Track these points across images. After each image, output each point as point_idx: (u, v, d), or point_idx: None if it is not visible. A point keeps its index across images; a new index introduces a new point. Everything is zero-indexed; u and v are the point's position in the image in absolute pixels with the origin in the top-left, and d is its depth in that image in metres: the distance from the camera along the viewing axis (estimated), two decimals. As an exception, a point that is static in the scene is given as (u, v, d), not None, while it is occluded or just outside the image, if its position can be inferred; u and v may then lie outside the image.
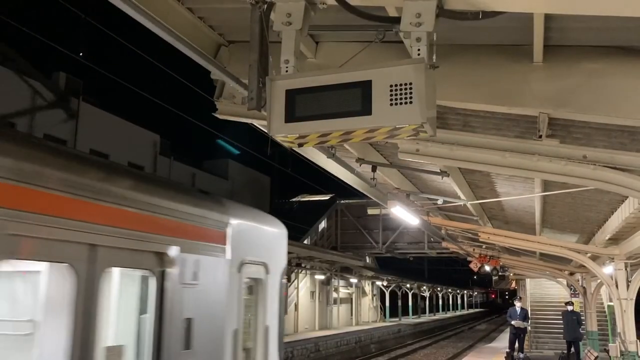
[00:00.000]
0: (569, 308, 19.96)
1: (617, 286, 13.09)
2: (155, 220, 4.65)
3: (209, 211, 5.40)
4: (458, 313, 79.03)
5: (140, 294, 4.80)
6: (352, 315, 42.31)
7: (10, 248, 3.42)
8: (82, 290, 3.86)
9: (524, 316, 20.52)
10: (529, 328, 24.51)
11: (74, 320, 3.78)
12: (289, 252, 6.78)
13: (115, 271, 4.70)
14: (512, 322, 20.19)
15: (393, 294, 49.61)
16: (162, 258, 4.69)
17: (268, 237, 6.63)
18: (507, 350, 20.99)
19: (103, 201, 4.11)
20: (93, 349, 3.93)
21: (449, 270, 73.97)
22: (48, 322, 3.93)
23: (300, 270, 30.68)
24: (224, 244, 5.56)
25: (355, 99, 3.07)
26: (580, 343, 20.21)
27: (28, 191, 3.56)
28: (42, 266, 4.05)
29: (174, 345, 4.74)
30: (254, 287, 6.27)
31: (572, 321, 19.52)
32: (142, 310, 4.73)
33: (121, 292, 4.78)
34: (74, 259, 3.83)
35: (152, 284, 4.66)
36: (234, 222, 5.74)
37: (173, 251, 4.76)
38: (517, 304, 20.81)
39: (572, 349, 19.88)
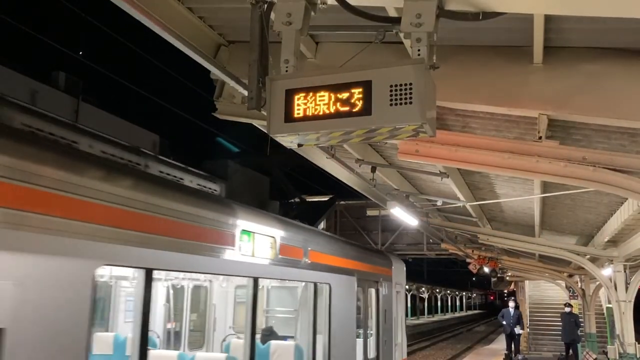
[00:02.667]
0: (567, 310, 19.95)
1: (615, 288, 13.10)
2: (375, 267, 10.71)
3: (386, 261, 11.74)
4: (457, 315, 78.97)
5: (366, 298, 10.08)
6: (350, 316, 42.17)
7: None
8: (382, 296, 10.90)
9: (517, 318, 20.49)
10: (527, 330, 24.50)
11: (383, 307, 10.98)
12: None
13: (368, 286, 10.22)
14: (516, 331, 20.20)
15: (392, 295, 49.48)
16: (377, 282, 10.68)
17: (400, 268, 12.75)
18: (505, 351, 21.00)
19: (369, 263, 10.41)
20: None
21: (448, 271, 73.93)
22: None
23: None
24: (391, 274, 11.71)
25: (355, 99, 3.07)
26: (579, 345, 20.20)
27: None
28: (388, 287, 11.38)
29: (382, 322, 10.77)
30: (397, 295, 12.24)
31: (571, 323, 19.51)
32: (370, 305, 10.38)
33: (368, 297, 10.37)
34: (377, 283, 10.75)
35: (373, 294, 10.56)
36: (393, 263, 12.07)
37: (380, 280, 10.81)
38: (512, 305, 20.78)
39: (571, 351, 19.88)
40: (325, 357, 7.84)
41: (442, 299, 73.91)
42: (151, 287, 4.55)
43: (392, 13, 4.01)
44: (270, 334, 8.56)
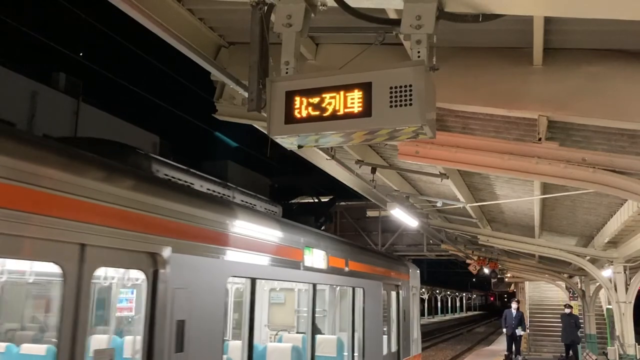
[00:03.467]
0: (567, 311, 19.96)
1: (615, 289, 13.09)
2: (396, 273, 11.94)
3: (404, 267, 13.02)
4: (457, 316, 78.95)
5: (389, 299, 11.44)
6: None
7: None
8: (401, 299, 12.50)
9: (520, 319, 20.51)
10: (527, 331, 24.49)
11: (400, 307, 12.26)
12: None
13: (391, 289, 11.68)
14: (517, 332, 20.28)
15: (392, 296, 49.41)
16: (398, 285, 12.02)
17: (415, 273, 14.15)
18: (506, 352, 20.99)
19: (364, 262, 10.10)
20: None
21: (448, 272, 73.96)
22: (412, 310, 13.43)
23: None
24: (408, 279, 13.15)
25: (355, 100, 3.07)
26: (579, 346, 20.20)
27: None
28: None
29: (402, 320, 12.13)
30: (413, 297, 13.71)
31: (570, 324, 19.52)
32: (391, 305, 11.59)
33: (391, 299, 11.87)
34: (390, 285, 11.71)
35: (394, 296, 11.86)
36: (410, 269, 13.49)
37: (400, 284, 12.20)
38: (514, 306, 20.79)
39: (571, 352, 19.88)
40: (360, 349, 9.37)
41: (442, 300, 73.88)
42: (255, 292, 6.18)
43: (392, 15, 4.02)
44: (315, 329, 9.95)
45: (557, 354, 23.06)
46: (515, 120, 5.91)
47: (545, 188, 8.53)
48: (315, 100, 3.14)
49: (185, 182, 5.76)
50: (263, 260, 6.19)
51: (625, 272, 13.13)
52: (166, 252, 4.53)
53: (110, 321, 5.78)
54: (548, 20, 4.19)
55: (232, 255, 5.52)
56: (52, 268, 3.67)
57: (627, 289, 12.96)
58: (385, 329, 11.05)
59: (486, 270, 22.36)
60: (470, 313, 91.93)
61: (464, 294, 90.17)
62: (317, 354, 8.33)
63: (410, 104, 2.97)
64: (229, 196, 6.61)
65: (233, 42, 6.00)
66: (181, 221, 4.79)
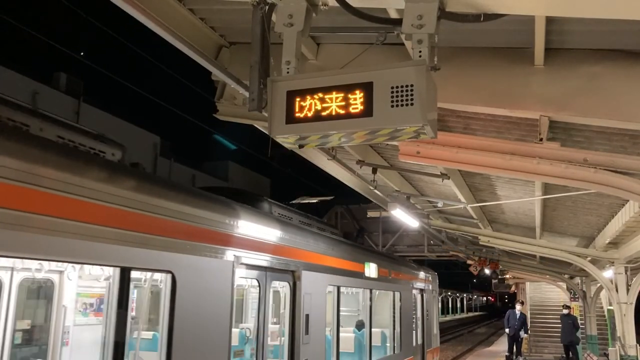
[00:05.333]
0: (565, 312, 19.98)
1: (617, 290, 13.07)
2: (421, 279, 14.81)
3: (427, 273, 15.66)
4: (457, 316, 78.87)
5: (416, 300, 14.13)
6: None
7: None
8: (425, 301, 15.47)
9: (522, 321, 20.50)
10: (527, 333, 24.49)
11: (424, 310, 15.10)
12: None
13: (418, 292, 14.52)
14: (520, 334, 20.35)
15: (392, 297, 49.30)
16: (423, 290, 14.83)
17: (435, 278, 16.36)
18: (507, 353, 20.97)
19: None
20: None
21: (449, 273, 73.83)
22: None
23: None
24: (430, 282, 15.66)
25: (356, 100, 3.07)
26: (579, 347, 20.18)
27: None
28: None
29: (425, 318, 14.94)
30: (433, 299, 15.95)
31: (569, 325, 19.56)
32: (418, 306, 14.19)
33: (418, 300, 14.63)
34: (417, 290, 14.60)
35: (419, 297, 14.46)
36: (430, 274, 16.00)
37: (425, 286, 15.01)
38: (518, 307, 20.80)
39: (571, 353, 19.87)
40: (398, 341, 11.98)
41: (442, 301, 73.73)
42: (340, 296, 8.81)
43: (393, 14, 4.02)
44: (362, 325, 11.64)
45: (557, 355, 23.02)
46: (517, 120, 5.90)
47: (547, 188, 8.52)
48: (317, 100, 3.14)
49: (288, 216, 7.97)
50: (344, 273, 8.82)
51: (626, 273, 13.11)
52: (300, 270, 7.13)
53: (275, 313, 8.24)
54: (549, 20, 4.18)
55: (328, 270, 8.06)
56: (254, 282, 6.41)
57: (628, 290, 12.94)
58: (414, 325, 13.51)
59: (487, 271, 22.34)
60: (470, 314, 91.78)
61: (465, 295, 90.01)
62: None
63: (412, 104, 2.96)
64: (309, 224, 8.78)
65: (234, 41, 6.01)
66: (304, 249, 7.30)
